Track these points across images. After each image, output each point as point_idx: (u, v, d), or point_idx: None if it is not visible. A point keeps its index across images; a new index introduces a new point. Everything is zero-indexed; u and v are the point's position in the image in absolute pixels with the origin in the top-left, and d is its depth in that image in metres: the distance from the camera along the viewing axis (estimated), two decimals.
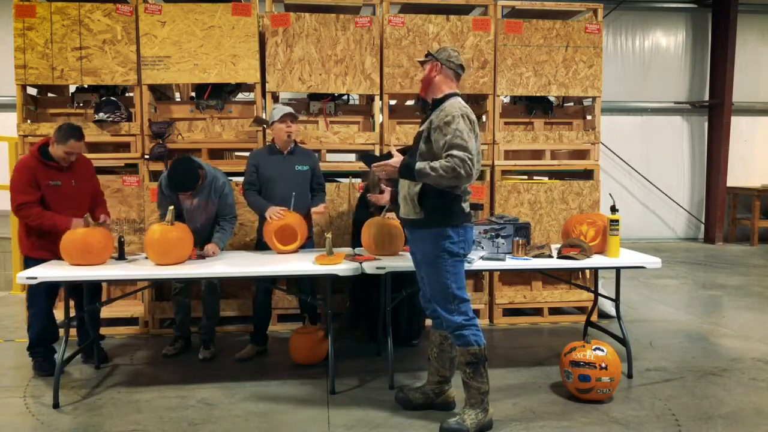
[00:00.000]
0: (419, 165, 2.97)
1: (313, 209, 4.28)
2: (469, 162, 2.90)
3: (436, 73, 3.14)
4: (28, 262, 3.92)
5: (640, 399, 3.56)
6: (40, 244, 3.85)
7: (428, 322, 4.80)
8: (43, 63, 4.67)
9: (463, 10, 5.24)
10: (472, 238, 3.19)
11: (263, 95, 4.92)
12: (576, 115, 5.62)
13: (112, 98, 4.85)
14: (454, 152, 2.90)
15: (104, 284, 4.57)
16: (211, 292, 4.37)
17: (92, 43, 4.70)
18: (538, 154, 5.39)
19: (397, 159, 3.12)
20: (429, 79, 3.16)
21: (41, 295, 3.90)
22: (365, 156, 4.63)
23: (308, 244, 4.38)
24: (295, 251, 4.17)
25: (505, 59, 5.11)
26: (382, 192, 4.41)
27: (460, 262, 3.12)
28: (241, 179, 4.96)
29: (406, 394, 3.43)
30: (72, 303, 4.04)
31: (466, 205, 3.12)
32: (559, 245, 4.11)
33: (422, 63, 3.25)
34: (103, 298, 4.42)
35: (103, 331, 4.35)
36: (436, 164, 2.93)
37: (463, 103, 3.09)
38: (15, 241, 6.20)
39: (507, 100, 5.70)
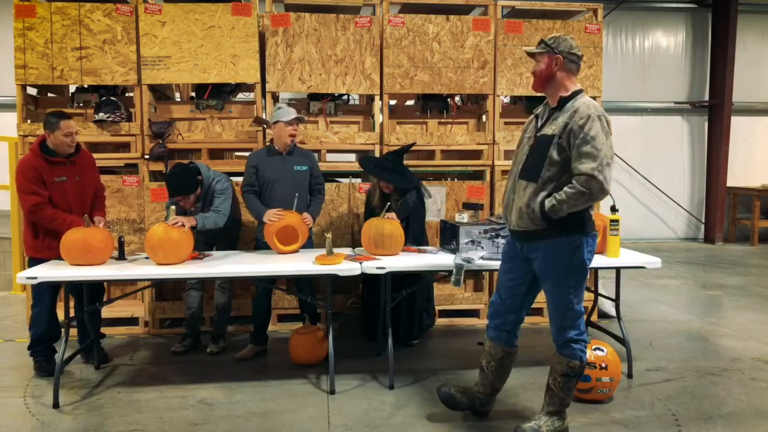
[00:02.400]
0: (546, 204, 2.76)
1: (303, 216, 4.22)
2: (599, 175, 2.64)
3: (557, 69, 2.83)
4: (33, 262, 3.90)
5: (640, 399, 3.56)
6: (48, 244, 3.84)
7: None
8: (43, 63, 4.67)
9: (463, 10, 5.24)
10: (596, 247, 2.95)
11: (263, 95, 4.92)
12: None
13: (112, 98, 4.85)
14: (581, 167, 2.68)
15: (105, 284, 4.57)
16: (222, 289, 4.43)
17: (92, 43, 4.70)
18: None
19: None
20: (549, 74, 2.84)
21: (46, 294, 3.90)
22: (364, 159, 4.65)
23: (308, 244, 4.39)
24: (296, 251, 4.17)
25: (505, 59, 5.11)
26: (383, 194, 4.42)
27: (585, 275, 2.90)
28: (241, 179, 4.97)
29: (453, 393, 3.23)
30: (72, 303, 4.06)
31: (592, 212, 2.90)
32: None
33: (532, 54, 2.91)
34: (104, 298, 4.42)
35: (103, 331, 4.34)
36: (561, 195, 2.72)
37: (595, 102, 2.82)
38: (15, 241, 6.20)
39: (507, 100, 5.70)
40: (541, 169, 2.83)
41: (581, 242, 2.83)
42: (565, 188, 2.74)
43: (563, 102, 2.85)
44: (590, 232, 2.88)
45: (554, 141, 2.79)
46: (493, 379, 3.19)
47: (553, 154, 2.79)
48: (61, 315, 3.99)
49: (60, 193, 3.83)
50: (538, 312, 5.29)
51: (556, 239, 2.83)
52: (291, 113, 4.21)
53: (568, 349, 2.94)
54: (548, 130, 2.84)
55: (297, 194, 4.19)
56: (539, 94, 2.96)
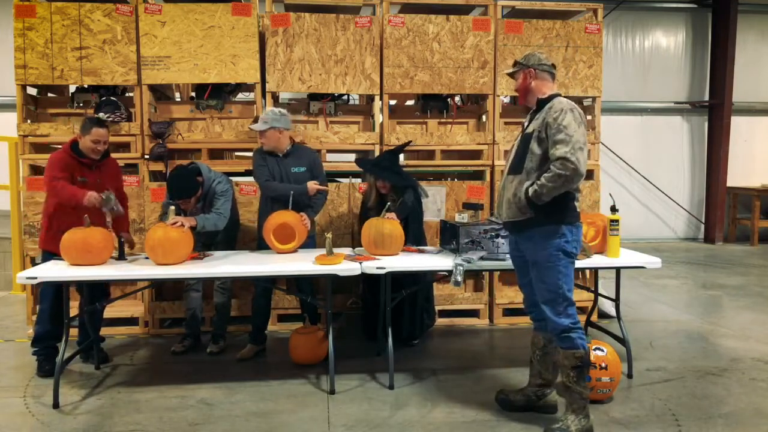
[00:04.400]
0: (530, 191, 2.97)
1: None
2: (572, 156, 2.86)
3: (531, 79, 3.15)
4: (45, 256, 3.97)
5: (640, 399, 3.56)
6: (57, 238, 3.83)
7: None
8: (43, 63, 4.67)
9: (463, 10, 5.24)
10: (581, 237, 3.15)
11: (263, 95, 4.92)
12: None
13: (112, 98, 4.85)
14: (556, 152, 2.90)
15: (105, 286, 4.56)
16: (222, 290, 4.45)
17: (92, 43, 4.70)
18: None
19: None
20: (526, 86, 3.17)
21: (47, 293, 3.92)
22: (361, 159, 4.66)
23: (309, 244, 4.38)
24: (294, 251, 4.17)
25: (505, 59, 5.11)
26: (380, 195, 4.42)
27: (572, 262, 3.06)
28: (240, 179, 4.97)
29: (507, 395, 3.39)
30: (74, 303, 4.07)
31: (578, 204, 3.06)
32: None
33: (512, 75, 3.25)
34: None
35: (103, 331, 4.34)
36: (541, 180, 2.93)
37: (569, 100, 3.07)
38: (15, 241, 6.21)
39: (507, 100, 5.70)
40: (524, 161, 3.06)
41: (564, 231, 3.01)
42: (544, 174, 2.95)
43: (542, 104, 3.13)
44: (573, 222, 3.05)
45: (534, 135, 3.05)
46: (540, 368, 3.31)
47: (534, 146, 3.04)
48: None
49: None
50: None
51: (541, 228, 3.02)
52: (259, 123, 4.17)
53: (568, 341, 3.03)
54: (530, 129, 3.11)
55: (291, 192, 4.16)
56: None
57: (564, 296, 3.03)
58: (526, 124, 3.21)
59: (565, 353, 3.04)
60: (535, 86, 3.15)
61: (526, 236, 3.09)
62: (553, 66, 3.20)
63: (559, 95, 3.12)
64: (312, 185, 4.22)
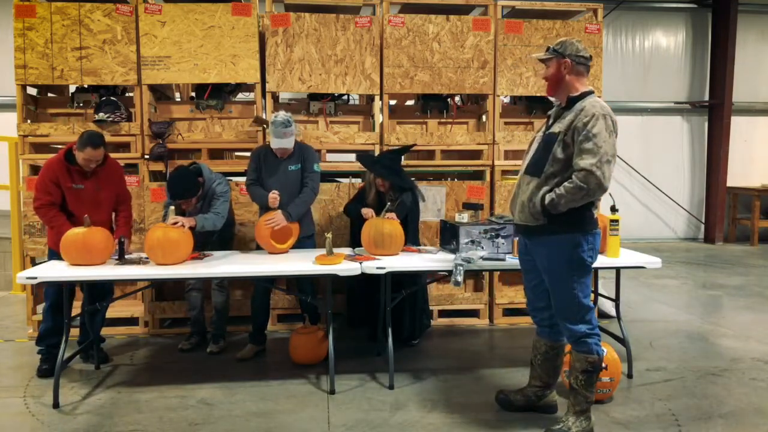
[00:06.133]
0: (546, 199, 2.82)
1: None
2: (597, 171, 2.70)
3: (566, 72, 2.93)
4: (51, 254, 3.99)
5: (640, 399, 3.56)
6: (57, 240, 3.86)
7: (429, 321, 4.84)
8: (43, 63, 4.67)
9: (463, 10, 5.24)
10: (599, 245, 2.98)
11: (263, 95, 4.92)
12: None
13: (112, 98, 4.85)
14: (580, 163, 2.74)
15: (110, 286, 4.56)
16: (220, 288, 4.46)
17: (92, 43, 4.70)
18: None
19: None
20: (559, 77, 2.95)
21: (49, 291, 3.93)
22: (362, 157, 4.66)
23: (309, 244, 4.39)
24: (286, 251, 4.17)
25: (505, 59, 5.11)
26: (380, 192, 4.42)
27: (587, 271, 2.94)
28: (240, 179, 4.96)
29: (507, 396, 3.36)
30: (77, 302, 4.07)
31: (596, 211, 2.92)
32: None
33: (543, 60, 3.01)
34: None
35: (103, 331, 4.34)
36: (560, 190, 2.78)
37: (603, 102, 2.88)
38: (15, 241, 6.21)
39: (507, 100, 5.70)
40: (544, 165, 2.90)
41: (580, 240, 2.88)
42: (564, 183, 2.81)
43: (572, 102, 2.94)
44: (590, 231, 2.91)
45: (559, 138, 2.87)
46: (541, 372, 3.26)
47: (557, 151, 2.87)
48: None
49: (76, 199, 3.90)
50: None
51: (556, 236, 2.89)
52: (288, 139, 4.15)
53: (583, 346, 2.97)
54: (555, 129, 2.93)
55: (275, 190, 4.15)
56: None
57: (579, 305, 2.93)
58: (550, 121, 3.02)
59: (577, 356, 2.98)
60: (569, 80, 2.94)
61: (538, 243, 2.98)
62: (590, 58, 2.98)
63: (592, 93, 2.92)
64: (271, 196, 4.13)
